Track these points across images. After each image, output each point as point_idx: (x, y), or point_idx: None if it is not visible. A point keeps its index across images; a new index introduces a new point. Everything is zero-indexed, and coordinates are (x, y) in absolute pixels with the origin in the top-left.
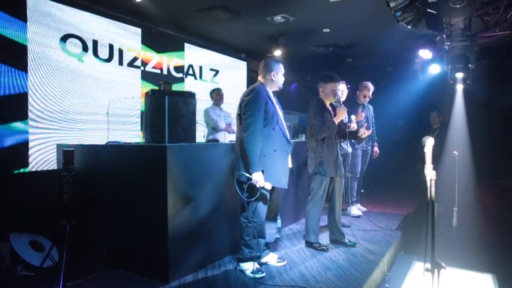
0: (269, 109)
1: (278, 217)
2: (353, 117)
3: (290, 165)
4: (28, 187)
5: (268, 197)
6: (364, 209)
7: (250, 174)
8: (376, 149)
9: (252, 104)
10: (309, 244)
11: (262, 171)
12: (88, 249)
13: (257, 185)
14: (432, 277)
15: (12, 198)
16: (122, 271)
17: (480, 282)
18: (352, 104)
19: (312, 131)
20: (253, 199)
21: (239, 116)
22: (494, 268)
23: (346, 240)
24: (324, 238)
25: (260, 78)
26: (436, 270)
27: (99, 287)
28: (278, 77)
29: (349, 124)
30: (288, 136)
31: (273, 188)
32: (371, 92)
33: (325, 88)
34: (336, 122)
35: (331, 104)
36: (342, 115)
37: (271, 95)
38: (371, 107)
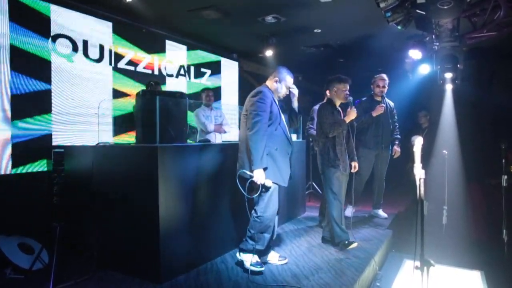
0: (274, 110)
1: None
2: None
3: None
4: (17, 189)
5: (277, 192)
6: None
7: (252, 171)
8: (396, 147)
9: (258, 105)
10: (343, 245)
11: (265, 169)
12: (79, 250)
13: (258, 182)
14: (421, 275)
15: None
16: (114, 272)
17: (469, 279)
18: (368, 101)
19: (324, 128)
20: (253, 196)
21: (245, 116)
22: (483, 265)
23: None
24: (315, 237)
25: (267, 81)
26: (425, 268)
27: None
28: (280, 86)
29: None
30: (290, 137)
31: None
32: (386, 82)
33: (339, 88)
34: (347, 122)
35: (340, 105)
36: (352, 116)
37: (276, 98)
38: (391, 104)
